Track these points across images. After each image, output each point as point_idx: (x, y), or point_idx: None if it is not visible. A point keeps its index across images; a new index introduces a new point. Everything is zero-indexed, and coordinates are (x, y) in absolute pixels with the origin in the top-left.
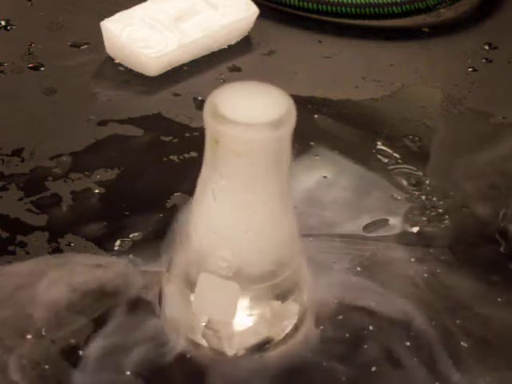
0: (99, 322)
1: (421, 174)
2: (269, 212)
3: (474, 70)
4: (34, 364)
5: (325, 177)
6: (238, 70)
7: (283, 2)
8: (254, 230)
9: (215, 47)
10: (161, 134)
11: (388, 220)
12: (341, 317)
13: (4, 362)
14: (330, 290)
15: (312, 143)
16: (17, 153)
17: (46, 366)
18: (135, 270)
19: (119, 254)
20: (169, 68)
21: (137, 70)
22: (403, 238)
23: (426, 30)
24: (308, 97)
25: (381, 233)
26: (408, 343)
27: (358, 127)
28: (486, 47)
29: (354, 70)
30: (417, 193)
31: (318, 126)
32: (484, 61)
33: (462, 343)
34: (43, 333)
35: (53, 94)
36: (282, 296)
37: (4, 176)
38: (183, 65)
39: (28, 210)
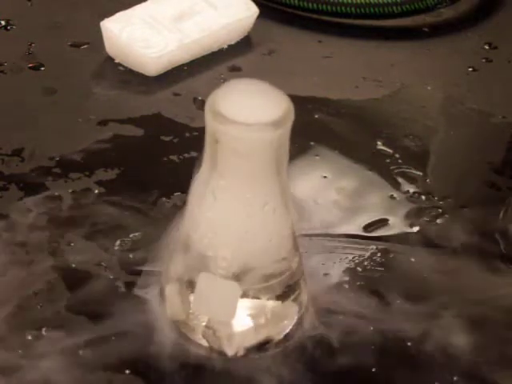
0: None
1: (421, 174)
2: (268, 212)
3: (474, 70)
4: None
5: (325, 177)
6: (238, 69)
7: (283, 2)
8: (253, 230)
9: (215, 47)
10: (161, 134)
11: (388, 220)
12: (341, 317)
13: None
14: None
15: (312, 143)
16: (17, 153)
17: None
18: None
19: (119, 253)
20: (169, 68)
21: (137, 70)
22: (403, 238)
23: (426, 29)
24: (308, 97)
25: (381, 233)
26: (409, 343)
27: (358, 127)
28: (486, 47)
29: (354, 70)
30: (417, 193)
31: (318, 126)
32: (484, 61)
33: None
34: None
35: (53, 93)
36: (282, 296)
37: (4, 176)
38: (183, 65)
39: (28, 209)
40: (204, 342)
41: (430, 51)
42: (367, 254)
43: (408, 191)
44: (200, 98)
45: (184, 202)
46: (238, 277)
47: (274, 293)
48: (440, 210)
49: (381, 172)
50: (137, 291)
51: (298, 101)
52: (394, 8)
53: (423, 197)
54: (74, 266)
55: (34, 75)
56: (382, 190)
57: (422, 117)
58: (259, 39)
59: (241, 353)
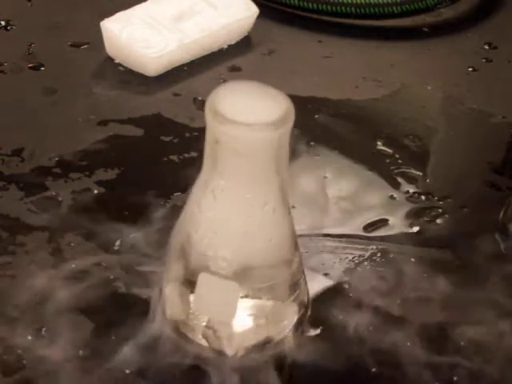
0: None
1: (421, 174)
2: (268, 212)
3: (474, 70)
4: None
5: (325, 177)
6: (238, 69)
7: (283, 2)
8: (253, 230)
9: (215, 47)
10: (161, 134)
11: (388, 220)
12: (341, 317)
13: None
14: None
15: (312, 143)
16: (17, 153)
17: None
18: None
19: (119, 253)
20: (169, 68)
21: (137, 70)
22: (403, 238)
23: (426, 29)
24: (308, 97)
25: (381, 233)
26: (409, 343)
27: (358, 127)
28: (486, 47)
29: (354, 70)
30: (417, 193)
31: (318, 126)
32: (484, 61)
33: (461, 343)
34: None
35: (53, 93)
36: (282, 296)
37: (4, 176)
38: (183, 65)
39: (28, 209)
40: (204, 342)
41: (430, 51)
42: (367, 254)
43: (408, 191)
44: (200, 98)
45: (184, 202)
46: (238, 277)
47: (274, 293)
48: (440, 210)
49: (381, 172)
50: (137, 291)
51: (298, 101)
52: (394, 8)
53: (423, 197)
54: (73, 266)
55: (34, 75)
56: (382, 190)
57: (422, 117)
58: (259, 39)
59: (241, 353)
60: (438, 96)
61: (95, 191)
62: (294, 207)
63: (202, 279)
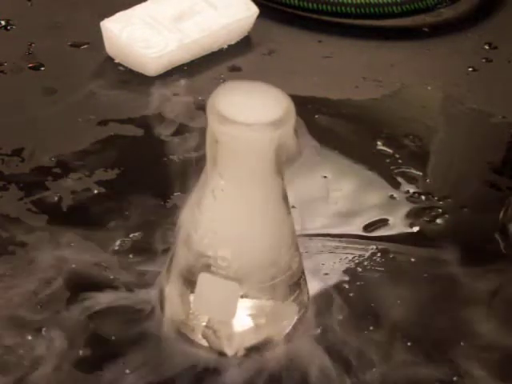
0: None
1: (421, 174)
2: (268, 212)
3: (474, 70)
4: None
5: (325, 177)
6: (238, 69)
7: (283, 2)
8: (253, 230)
9: (215, 47)
10: (161, 134)
11: (388, 220)
12: (341, 317)
13: None
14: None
15: (312, 143)
16: (17, 153)
17: None
18: None
19: (119, 253)
20: (169, 68)
21: (137, 70)
22: (403, 238)
23: (426, 29)
24: (308, 97)
25: (381, 233)
26: (409, 343)
27: (358, 127)
28: (486, 47)
29: (354, 70)
30: (417, 193)
31: (318, 126)
32: (484, 61)
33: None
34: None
35: (53, 93)
36: (282, 296)
37: (4, 176)
38: (183, 65)
39: (28, 209)
40: (204, 342)
41: (430, 51)
42: (367, 254)
43: (408, 191)
44: (200, 98)
45: (184, 202)
46: (238, 277)
47: (274, 293)
48: (440, 210)
49: (381, 172)
50: (137, 291)
51: (298, 101)
52: (394, 8)
53: (423, 197)
54: (73, 266)
55: (34, 75)
56: (382, 190)
57: (422, 117)
58: (259, 39)
59: (241, 353)
60: (438, 96)
61: (95, 191)
62: (293, 207)
63: (202, 279)
